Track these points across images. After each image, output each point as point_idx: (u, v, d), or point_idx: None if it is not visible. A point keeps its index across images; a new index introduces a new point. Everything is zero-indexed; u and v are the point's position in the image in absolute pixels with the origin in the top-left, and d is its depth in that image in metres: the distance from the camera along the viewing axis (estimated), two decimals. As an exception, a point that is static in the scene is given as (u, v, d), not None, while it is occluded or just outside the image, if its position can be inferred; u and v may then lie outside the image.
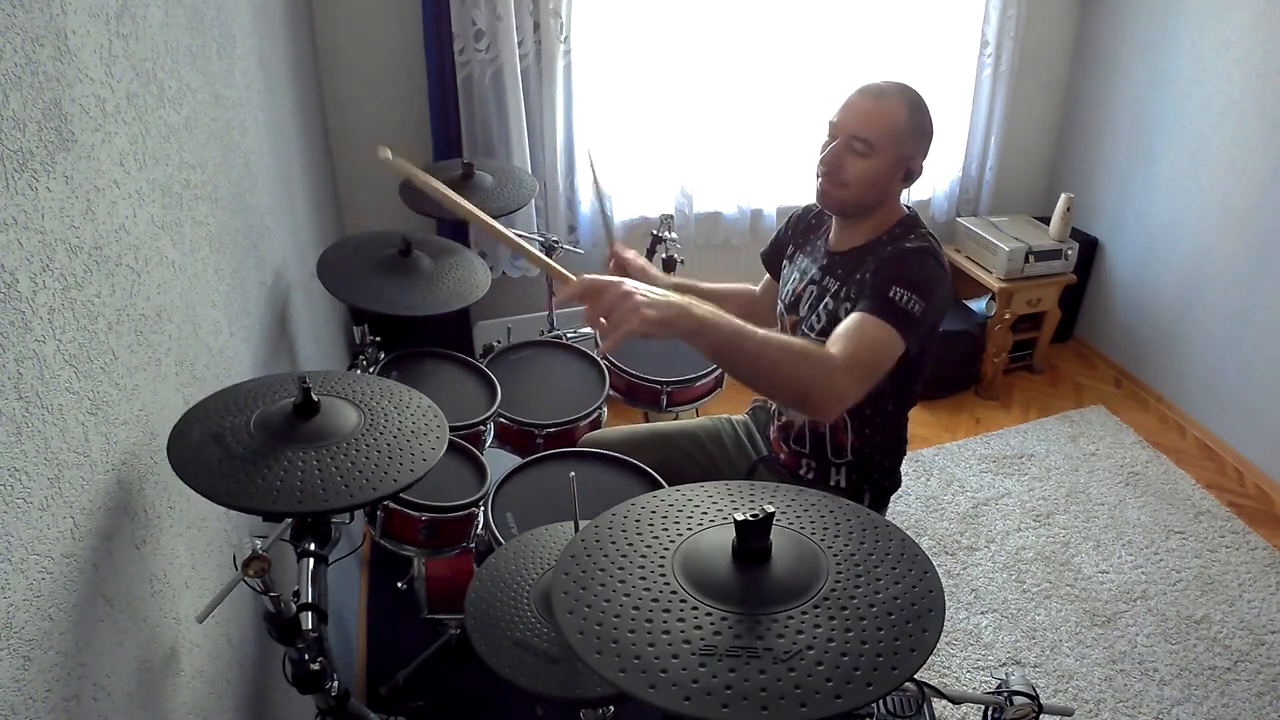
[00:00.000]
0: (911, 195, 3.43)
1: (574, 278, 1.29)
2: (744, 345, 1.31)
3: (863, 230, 1.64)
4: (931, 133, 1.61)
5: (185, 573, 1.08)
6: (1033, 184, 3.81)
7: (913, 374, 1.64)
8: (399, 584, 2.28)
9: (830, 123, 1.59)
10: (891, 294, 1.45)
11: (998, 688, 1.23)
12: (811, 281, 1.71)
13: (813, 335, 1.66)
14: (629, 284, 1.23)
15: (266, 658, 1.40)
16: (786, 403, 1.56)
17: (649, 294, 1.23)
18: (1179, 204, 3.21)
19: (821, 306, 1.65)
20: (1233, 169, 2.98)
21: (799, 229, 1.82)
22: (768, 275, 1.94)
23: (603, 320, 1.23)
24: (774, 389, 1.40)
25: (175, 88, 1.20)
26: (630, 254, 1.81)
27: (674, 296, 1.27)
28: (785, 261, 1.83)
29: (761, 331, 1.33)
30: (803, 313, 1.71)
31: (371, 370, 1.98)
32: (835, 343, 1.42)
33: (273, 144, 1.85)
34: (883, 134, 1.53)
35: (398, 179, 2.20)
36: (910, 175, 1.60)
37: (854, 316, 1.47)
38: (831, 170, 1.57)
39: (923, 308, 1.46)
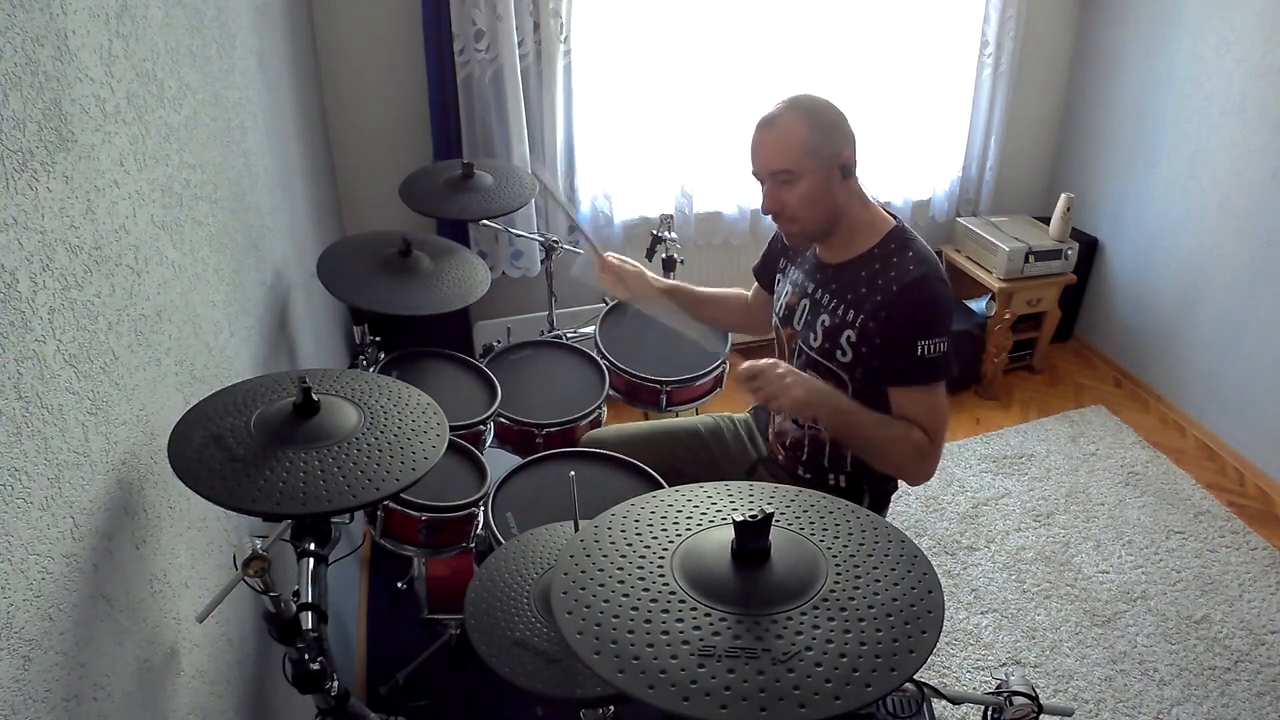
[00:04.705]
0: (912, 196, 3.43)
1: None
2: (863, 426, 1.58)
3: (850, 242, 1.63)
4: (842, 122, 1.57)
5: (185, 573, 1.08)
6: (1033, 184, 3.81)
7: None
8: (399, 584, 2.28)
9: (752, 174, 1.60)
10: (920, 353, 1.52)
11: (998, 688, 1.23)
12: (804, 294, 1.70)
13: (811, 352, 1.66)
14: (783, 367, 1.53)
15: (266, 658, 1.40)
16: (886, 471, 1.70)
17: (799, 378, 1.53)
18: (1179, 204, 3.21)
19: (818, 323, 1.64)
20: (1233, 169, 2.98)
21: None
22: (756, 284, 1.95)
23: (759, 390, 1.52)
24: (879, 462, 1.65)
25: (175, 88, 1.20)
26: (619, 261, 1.91)
27: (819, 384, 1.57)
28: (778, 274, 1.83)
29: (876, 415, 1.57)
30: (797, 327, 1.70)
31: (371, 370, 1.98)
32: (909, 421, 1.59)
33: (273, 144, 1.85)
34: (793, 156, 1.53)
35: (398, 179, 2.21)
36: (847, 169, 1.57)
37: (906, 394, 1.57)
38: (775, 212, 1.60)
39: (947, 341, 1.54)
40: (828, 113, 1.56)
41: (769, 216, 1.63)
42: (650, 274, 1.92)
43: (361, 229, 2.80)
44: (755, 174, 1.60)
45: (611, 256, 1.91)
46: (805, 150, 1.52)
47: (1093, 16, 3.48)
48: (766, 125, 1.56)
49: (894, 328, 1.54)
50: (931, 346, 1.52)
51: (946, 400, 1.59)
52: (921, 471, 1.61)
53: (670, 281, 1.98)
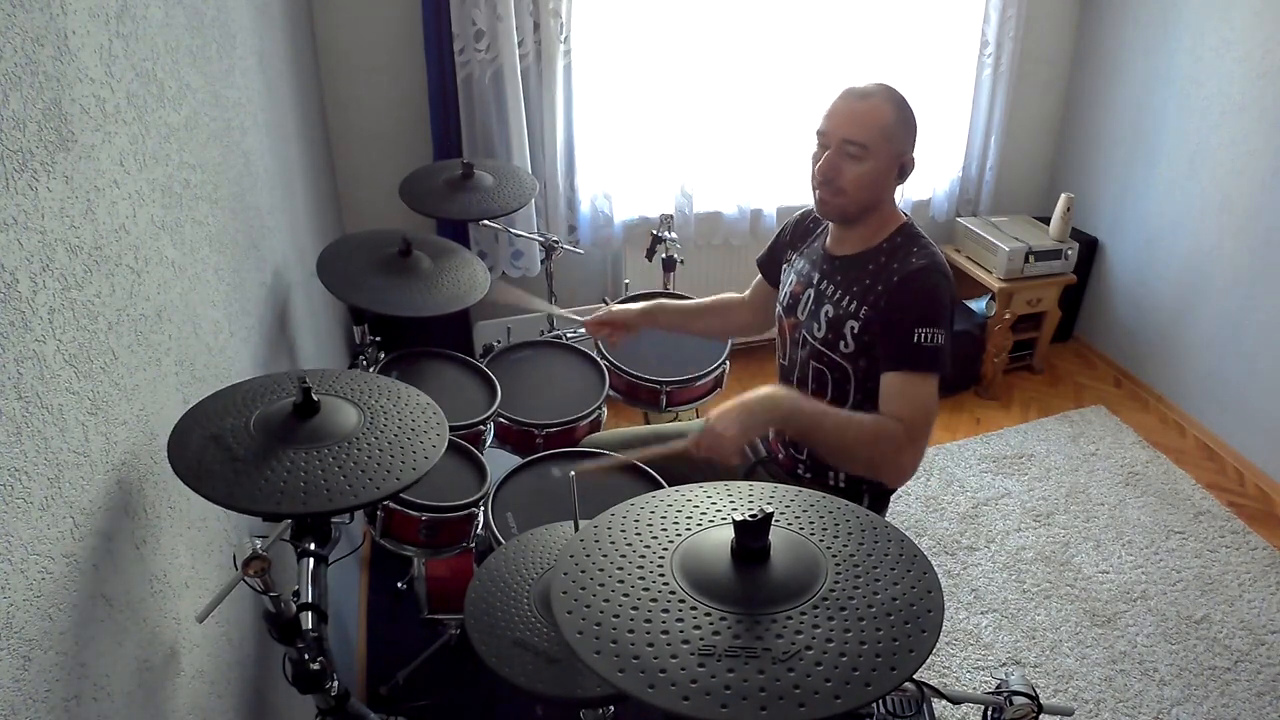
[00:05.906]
0: (911, 195, 3.43)
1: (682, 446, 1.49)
2: (824, 426, 1.50)
3: (861, 235, 1.63)
4: (917, 125, 1.60)
5: (185, 573, 1.08)
6: (1033, 184, 3.81)
7: None
8: (399, 584, 2.28)
9: (818, 132, 1.58)
10: (916, 339, 1.49)
11: (997, 688, 1.23)
12: (809, 284, 1.70)
13: (815, 342, 1.66)
14: (719, 424, 1.45)
15: (266, 658, 1.40)
16: (859, 473, 1.66)
17: (735, 419, 1.45)
18: (1179, 204, 3.21)
19: (822, 313, 1.65)
20: (1233, 169, 2.98)
21: (797, 233, 1.83)
22: (759, 277, 1.95)
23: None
24: (849, 464, 1.61)
25: (175, 88, 1.20)
26: (596, 322, 1.93)
27: (761, 392, 1.48)
28: (784, 265, 1.83)
29: (840, 414, 1.51)
30: (801, 316, 1.71)
31: (371, 370, 1.98)
32: (889, 407, 1.51)
33: (273, 144, 1.85)
34: (874, 134, 1.53)
35: (398, 179, 2.21)
36: (904, 171, 1.59)
37: (895, 379, 1.52)
38: (828, 179, 1.57)
39: (945, 335, 1.51)
40: (910, 111, 1.58)
41: (818, 180, 1.59)
42: (625, 311, 1.95)
43: (361, 229, 2.80)
44: (822, 133, 1.58)
45: (589, 325, 1.94)
46: (885, 134, 1.53)
47: (1093, 16, 3.48)
48: (858, 96, 1.55)
49: (893, 312, 1.54)
50: (928, 335, 1.49)
51: (935, 398, 1.52)
52: (896, 470, 1.53)
53: (645, 305, 1.97)
